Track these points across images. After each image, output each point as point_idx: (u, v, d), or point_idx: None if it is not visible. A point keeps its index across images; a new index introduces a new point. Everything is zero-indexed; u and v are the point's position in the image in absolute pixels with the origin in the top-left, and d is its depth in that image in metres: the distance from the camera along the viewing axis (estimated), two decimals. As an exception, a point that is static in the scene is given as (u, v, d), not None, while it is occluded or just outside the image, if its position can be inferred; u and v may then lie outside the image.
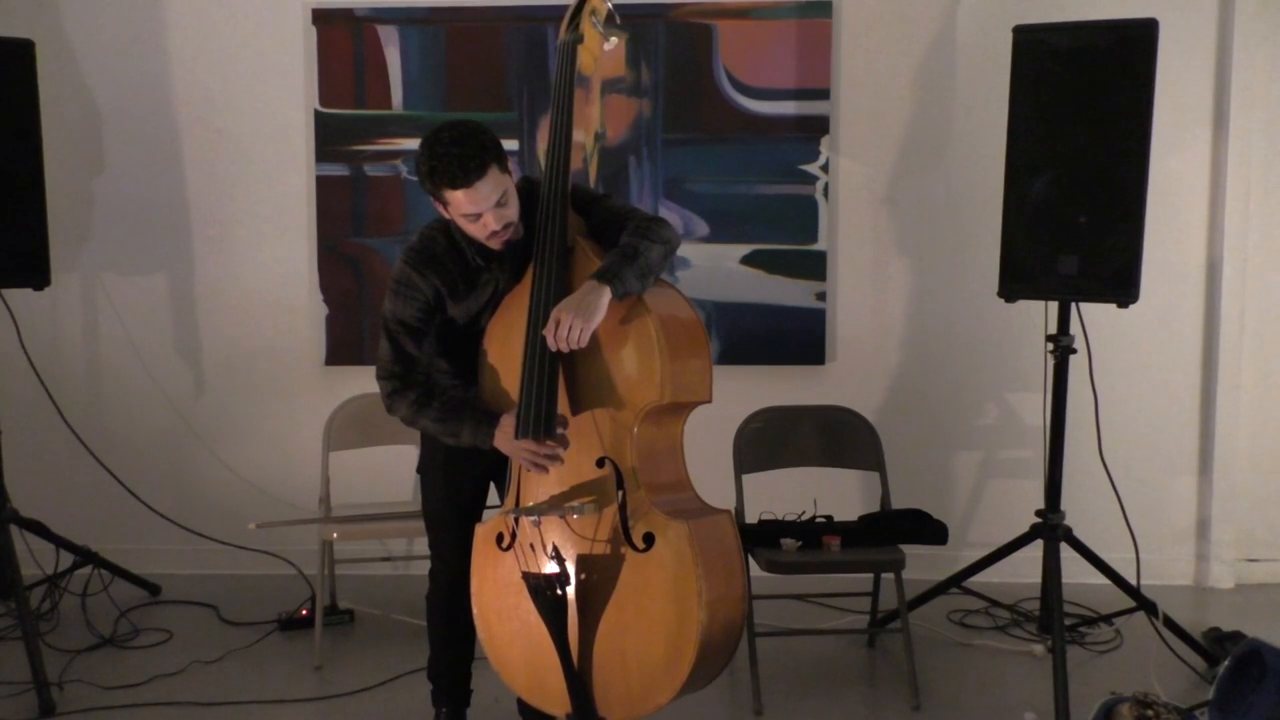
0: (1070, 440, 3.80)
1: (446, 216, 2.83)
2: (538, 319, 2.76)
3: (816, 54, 4.53)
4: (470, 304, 2.93)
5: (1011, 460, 4.63)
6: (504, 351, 2.88)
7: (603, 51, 2.93)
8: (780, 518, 3.78)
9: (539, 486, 2.83)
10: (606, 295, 2.67)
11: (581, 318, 2.65)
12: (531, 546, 2.80)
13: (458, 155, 2.69)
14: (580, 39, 2.89)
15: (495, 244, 2.81)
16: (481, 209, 2.73)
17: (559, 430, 2.76)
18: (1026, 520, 3.83)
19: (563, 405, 2.78)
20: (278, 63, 4.65)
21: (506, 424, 2.80)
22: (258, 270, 4.73)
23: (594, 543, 2.76)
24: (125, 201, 4.73)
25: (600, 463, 2.75)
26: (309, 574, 4.34)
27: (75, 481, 4.63)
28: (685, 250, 4.55)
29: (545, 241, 2.80)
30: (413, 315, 2.90)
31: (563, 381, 2.77)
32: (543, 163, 2.89)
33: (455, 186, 2.70)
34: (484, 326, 2.94)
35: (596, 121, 4.57)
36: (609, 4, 2.92)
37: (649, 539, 2.70)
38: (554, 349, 2.68)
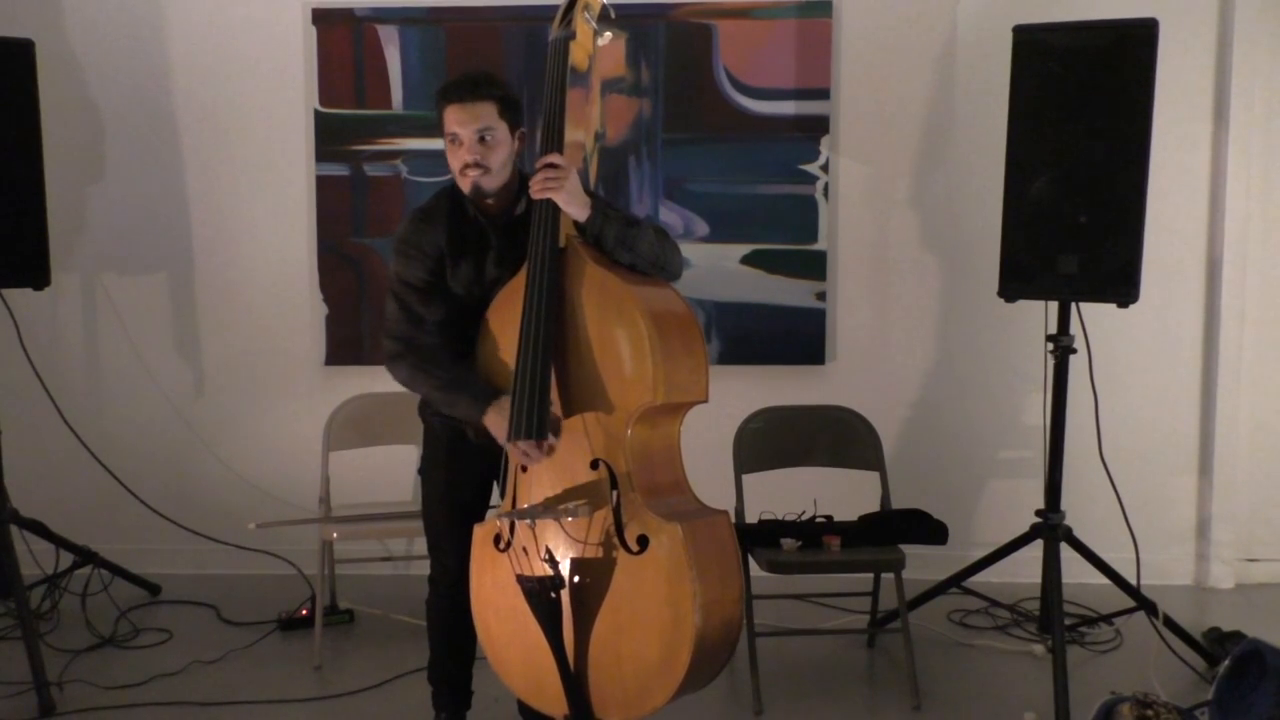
0: (1070, 440, 3.80)
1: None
2: (530, 319, 2.75)
3: (816, 54, 4.53)
4: (468, 269, 2.92)
5: (1011, 460, 4.63)
6: (500, 348, 2.87)
7: (596, 47, 2.92)
8: (780, 518, 3.78)
9: (534, 488, 2.82)
10: (584, 211, 2.78)
11: (562, 191, 2.74)
12: (525, 549, 2.79)
13: (467, 76, 2.87)
14: (572, 35, 2.87)
15: (464, 183, 2.85)
16: (463, 131, 2.81)
17: (550, 438, 2.74)
18: (1026, 520, 3.83)
19: (555, 407, 2.76)
20: (278, 63, 4.66)
21: (504, 404, 2.78)
22: (258, 270, 4.74)
23: (588, 545, 2.75)
24: (125, 201, 4.74)
25: (594, 465, 2.74)
26: (309, 574, 4.34)
27: (75, 481, 4.63)
28: (685, 250, 4.52)
29: (538, 241, 2.79)
30: (418, 275, 2.91)
31: (555, 383, 2.76)
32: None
33: (449, 100, 2.82)
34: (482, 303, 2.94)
35: (596, 121, 4.57)
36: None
37: (643, 541, 2.68)
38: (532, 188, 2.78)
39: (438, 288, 2.92)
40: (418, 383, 2.92)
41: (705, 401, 2.85)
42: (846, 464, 3.99)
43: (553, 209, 2.79)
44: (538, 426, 2.71)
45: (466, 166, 2.82)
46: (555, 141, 2.83)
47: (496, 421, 2.79)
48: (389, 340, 2.95)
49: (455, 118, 2.82)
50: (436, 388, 2.89)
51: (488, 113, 2.82)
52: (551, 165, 2.77)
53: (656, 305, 2.77)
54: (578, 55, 2.89)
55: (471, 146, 2.82)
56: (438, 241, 2.91)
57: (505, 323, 2.85)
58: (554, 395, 2.76)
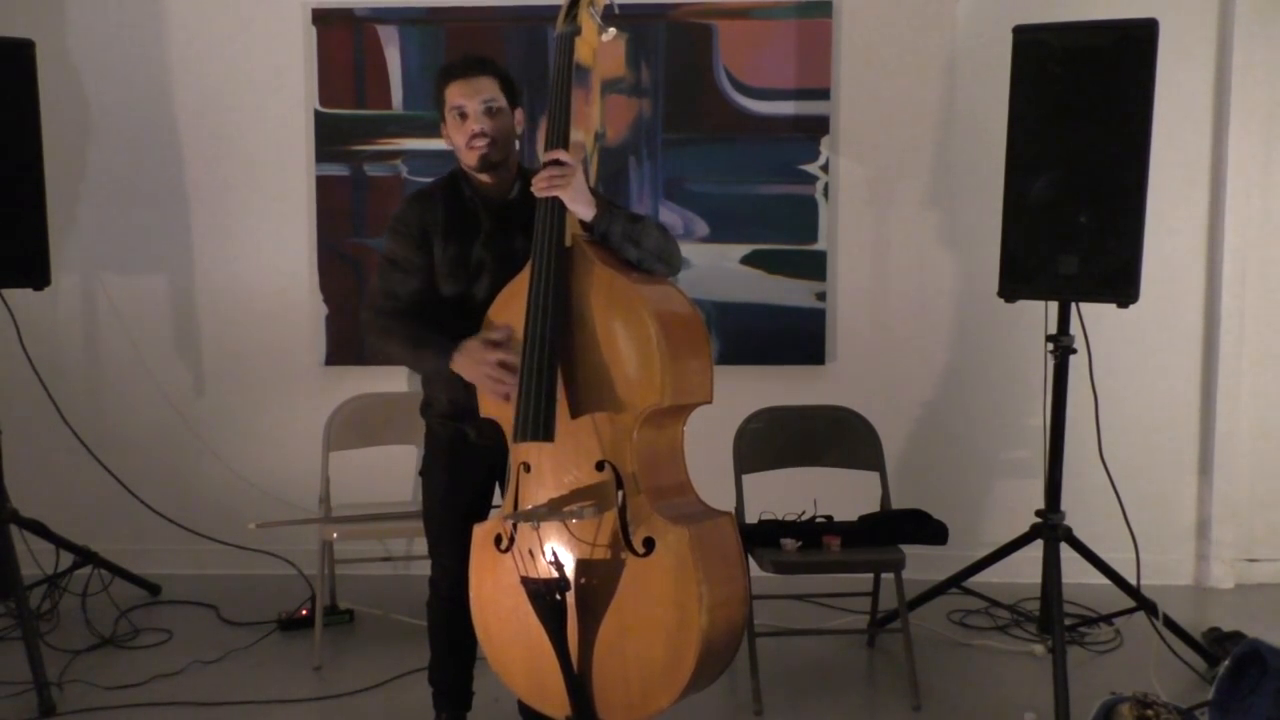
0: (1070, 440, 3.80)
1: (449, 142, 2.96)
2: (535, 319, 2.74)
3: (816, 54, 4.53)
4: (455, 250, 2.93)
5: (1011, 460, 4.63)
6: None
7: (600, 43, 2.91)
8: (780, 518, 3.78)
9: (537, 489, 2.81)
10: (590, 210, 2.78)
11: (568, 189, 2.74)
12: (530, 551, 2.78)
13: (467, 55, 3.00)
14: (578, 31, 2.85)
15: (471, 156, 2.89)
16: (469, 103, 2.88)
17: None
18: (1026, 520, 3.83)
19: (562, 409, 2.75)
20: (278, 63, 4.66)
21: (468, 346, 2.82)
22: (258, 270, 4.74)
23: (593, 547, 2.74)
24: (125, 201, 4.73)
25: (600, 466, 2.73)
26: (309, 574, 4.34)
27: (75, 481, 4.63)
28: (685, 250, 4.52)
29: (543, 238, 2.78)
30: (401, 253, 2.97)
31: (561, 383, 2.76)
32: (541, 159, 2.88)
33: (453, 77, 2.91)
34: (473, 297, 2.94)
35: (596, 121, 4.57)
36: None
37: (649, 543, 2.68)
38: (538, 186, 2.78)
39: (418, 266, 2.96)
40: (386, 342, 2.97)
41: (710, 403, 2.86)
42: (846, 464, 3.99)
43: (558, 207, 2.78)
44: (545, 428, 2.71)
45: (475, 137, 2.87)
46: (561, 138, 2.81)
47: (464, 364, 2.82)
48: (364, 311, 3.04)
49: (460, 91, 2.89)
50: (401, 343, 2.94)
51: (490, 85, 2.91)
52: (558, 162, 2.77)
53: (664, 307, 2.76)
54: (583, 51, 2.88)
55: (478, 117, 2.88)
56: (426, 220, 2.95)
57: (509, 322, 2.83)
58: (560, 397, 2.75)
